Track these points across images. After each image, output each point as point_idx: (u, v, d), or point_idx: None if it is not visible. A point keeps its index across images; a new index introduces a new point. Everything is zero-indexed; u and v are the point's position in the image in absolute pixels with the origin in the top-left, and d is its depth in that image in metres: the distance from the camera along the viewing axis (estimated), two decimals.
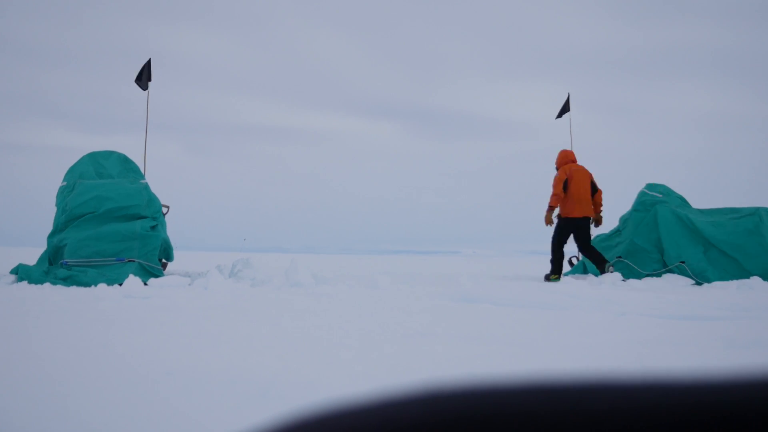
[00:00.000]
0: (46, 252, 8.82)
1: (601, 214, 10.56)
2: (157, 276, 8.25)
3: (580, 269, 11.35)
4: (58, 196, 9.14)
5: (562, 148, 10.91)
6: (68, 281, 7.86)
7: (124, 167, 9.55)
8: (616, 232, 11.23)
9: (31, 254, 10.15)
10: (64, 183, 9.17)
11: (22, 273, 8.24)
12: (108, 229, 8.44)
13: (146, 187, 9.07)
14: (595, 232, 11.87)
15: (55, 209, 9.15)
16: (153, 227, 8.68)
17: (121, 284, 7.47)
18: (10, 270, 9.04)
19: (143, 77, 11.52)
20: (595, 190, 10.46)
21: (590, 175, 10.49)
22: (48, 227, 9.00)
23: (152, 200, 8.98)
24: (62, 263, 8.23)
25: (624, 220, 11.20)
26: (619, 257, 10.58)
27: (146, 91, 11.70)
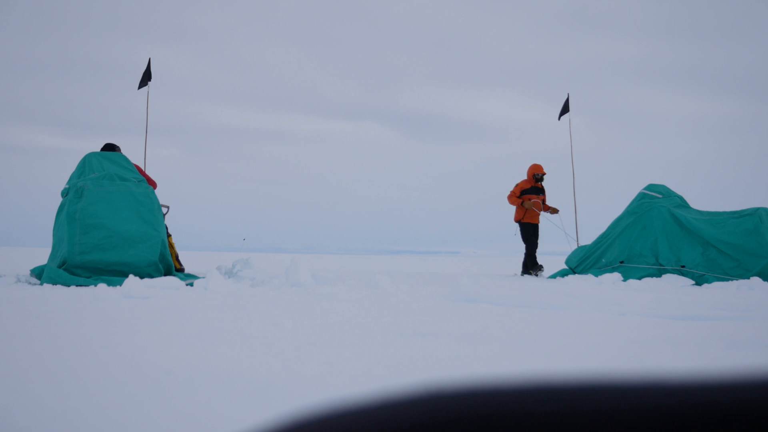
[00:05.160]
0: (55, 255, 8.75)
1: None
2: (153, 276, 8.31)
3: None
4: (63, 193, 9.04)
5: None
6: (98, 281, 7.94)
7: (129, 169, 9.49)
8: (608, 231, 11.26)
9: (30, 254, 10.13)
10: (71, 184, 8.97)
11: (52, 275, 8.16)
12: (126, 237, 8.46)
13: (152, 191, 9.07)
14: (595, 234, 11.88)
15: (56, 205, 9.09)
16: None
17: (120, 284, 7.47)
18: (31, 270, 9.03)
19: (144, 77, 11.69)
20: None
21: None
22: (45, 224, 8.96)
23: (159, 206, 9.05)
24: (93, 278, 8.23)
25: (617, 220, 11.21)
26: (622, 262, 10.60)
27: (147, 92, 11.77)
